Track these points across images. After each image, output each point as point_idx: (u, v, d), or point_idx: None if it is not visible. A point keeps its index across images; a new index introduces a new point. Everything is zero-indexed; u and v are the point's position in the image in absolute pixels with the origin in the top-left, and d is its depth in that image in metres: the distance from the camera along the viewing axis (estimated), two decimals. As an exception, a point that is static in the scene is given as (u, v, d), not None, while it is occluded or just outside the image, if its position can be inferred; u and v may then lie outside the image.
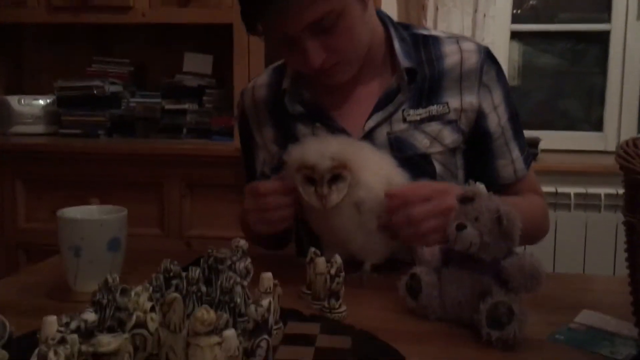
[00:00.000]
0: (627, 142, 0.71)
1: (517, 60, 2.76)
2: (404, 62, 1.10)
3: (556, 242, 2.31)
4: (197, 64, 2.42)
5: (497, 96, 1.14)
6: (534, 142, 2.41)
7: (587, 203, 2.36)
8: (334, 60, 1.04)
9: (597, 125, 2.69)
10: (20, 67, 2.67)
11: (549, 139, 2.56)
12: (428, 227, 0.89)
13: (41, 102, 2.45)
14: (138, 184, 2.20)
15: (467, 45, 1.14)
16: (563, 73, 2.77)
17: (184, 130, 2.36)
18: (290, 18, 0.97)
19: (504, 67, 2.34)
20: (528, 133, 1.20)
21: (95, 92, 2.36)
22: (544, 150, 2.51)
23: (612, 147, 2.61)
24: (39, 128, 2.44)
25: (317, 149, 0.94)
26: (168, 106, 2.37)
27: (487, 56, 1.14)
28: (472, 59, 1.12)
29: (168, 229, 2.21)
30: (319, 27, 0.99)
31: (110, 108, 2.40)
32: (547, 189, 1.21)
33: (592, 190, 2.36)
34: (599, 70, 2.68)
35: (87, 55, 2.51)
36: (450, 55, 1.13)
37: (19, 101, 2.42)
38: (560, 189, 2.36)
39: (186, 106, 2.35)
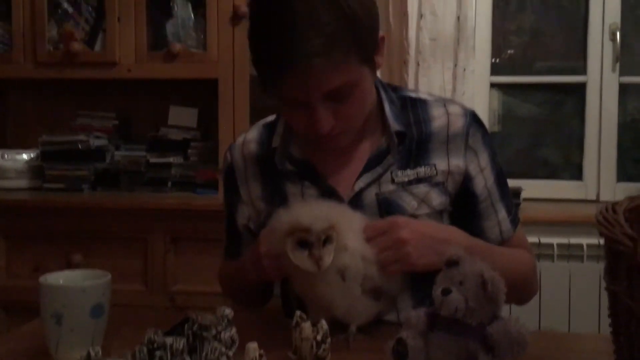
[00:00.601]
0: (606, 208, 0.72)
1: (497, 109, 2.81)
2: (394, 125, 1.12)
3: (540, 292, 2.31)
4: (182, 117, 2.43)
5: (484, 159, 1.16)
6: (516, 192, 2.43)
7: (570, 253, 2.38)
8: (341, 127, 1.05)
9: (577, 173, 2.73)
10: (5, 121, 2.67)
11: (530, 187, 2.59)
12: (379, 258, 0.97)
13: (24, 156, 2.44)
14: (122, 239, 2.18)
15: (454, 109, 1.17)
16: (542, 122, 2.83)
17: (169, 184, 2.36)
18: (309, 86, 0.98)
19: (485, 118, 2.38)
20: (509, 182, 1.22)
21: (79, 146, 2.36)
22: (525, 199, 2.54)
23: (592, 196, 2.64)
24: (22, 182, 2.42)
25: (309, 211, 0.94)
26: (153, 159, 2.36)
27: (473, 120, 1.17)
28: (458, 123, 1.15)
29: (152, 285, 2.17)
30: (333, 95, 1.00)
31: (94, 161, 2.39)
32: (530, 239, 1.23)
33: (574, 240, 2.38)
34: (577, 119, 2.74)
35: (73, 109, 2.52)
36: (438, 118, 1.15)
37: (2, 156, 2.41)
38: (544, 240, 2.38)
39: (171, 159, 2.35)
